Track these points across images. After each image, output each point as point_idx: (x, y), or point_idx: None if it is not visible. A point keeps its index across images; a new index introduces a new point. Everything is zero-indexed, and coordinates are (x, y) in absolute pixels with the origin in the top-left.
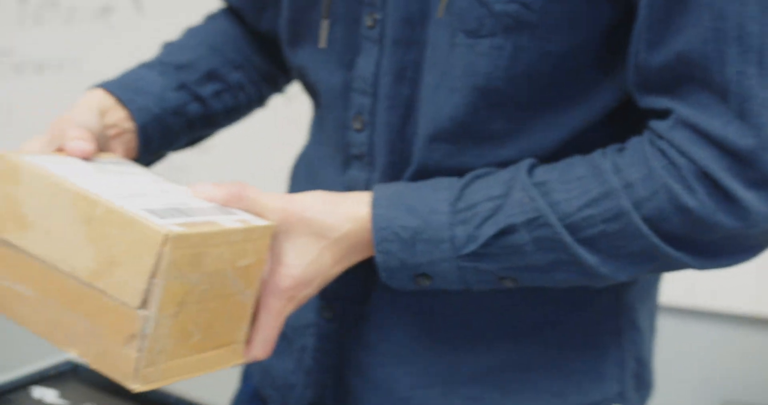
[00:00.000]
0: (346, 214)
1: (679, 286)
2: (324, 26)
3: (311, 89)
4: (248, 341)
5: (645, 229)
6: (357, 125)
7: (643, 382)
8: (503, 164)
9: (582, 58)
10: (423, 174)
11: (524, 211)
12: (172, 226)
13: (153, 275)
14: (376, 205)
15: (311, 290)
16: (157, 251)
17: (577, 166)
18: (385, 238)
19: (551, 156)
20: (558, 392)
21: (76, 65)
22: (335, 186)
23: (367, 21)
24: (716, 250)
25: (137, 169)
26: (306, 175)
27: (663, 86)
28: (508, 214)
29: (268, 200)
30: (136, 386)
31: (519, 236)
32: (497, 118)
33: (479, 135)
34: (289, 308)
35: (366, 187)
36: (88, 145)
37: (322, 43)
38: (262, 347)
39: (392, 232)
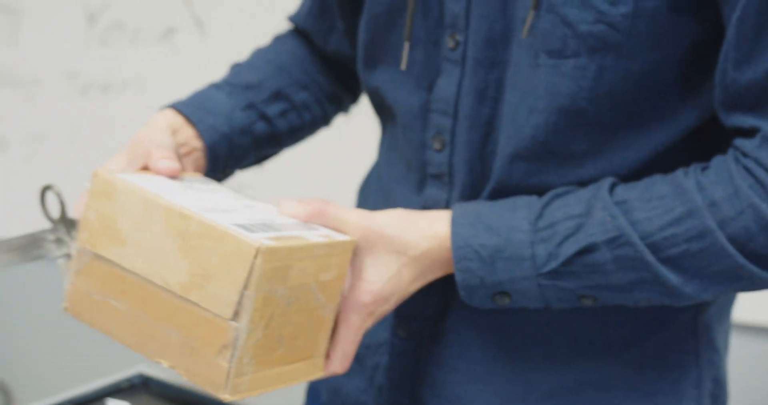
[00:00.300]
0: (425, 232)
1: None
2: (405, 49)
3: (386, 110)
4: (328, 356)
5: (730, 248)
6: (436, 145)
7: (719, 402)
8: (583, 183)
9: (666, 77)
10: (502, 192)
11: (606, 229)
12: (263, 239)
13: (245, 287)
14: (455, 223)
15: (389, 306)
16: (249, 264)
17: (658, 184)
18: (465, 257)
19: (633, 175)
20: None
21: (140, 86)
22: (411, 204)
23: (449, 42)
24: None
25: (218, 187)
26: (378, 193)
27: (750, 104)
28: (589, 233)
29: (350, 217)
30: (227, 396)
31: (600, 255)
32: (579, 138)
33: (560, 154)
34: (368, 323)
35: (445, 206)
36: (175, 164)
37: (404, 65)
38: (341, 362)
39: (472, 250)
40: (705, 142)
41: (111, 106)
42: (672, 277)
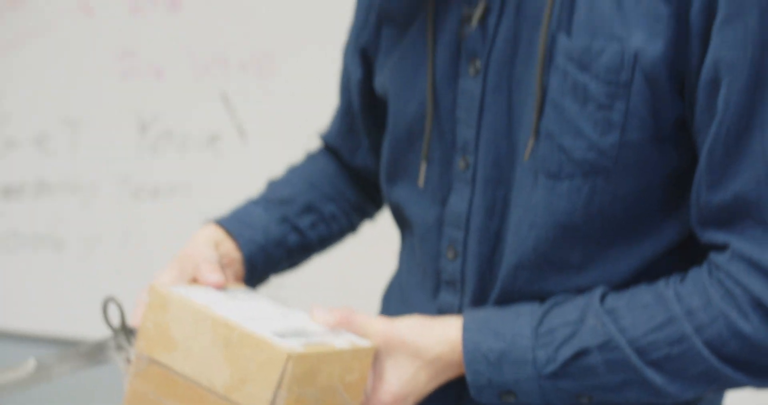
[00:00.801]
0: (439, 337)
1: None
2: (422, 168)
3: (405, 222)
4: None
5: (706, 352)
6: (450, 255)
7: None
8: (580, 290)
9: (650, 199)
10: (507, 297)
11: (597, 335)
12: (294, 346)
13: (278, 388)
14: (466, 329)
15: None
16: (282, 368)
17: (643, 294)
18: (474, 360)
19: (623, 283)
20: None
21: (187, 189)
22: (427, 309)
23: (461, 164)
24: None
25: (257, 296)
26: (399, 299)
27: (721, 223)
28: (582, 339)
29: (372, 324)
30: None
31: (593, 358)
32: (575, 251)
33: (558, 265)
34: None
35: (457, 309)
36: (220, 277)
37: (421, 182)
38: None
39: (481, 354)
40: (685, 254)
41: (160, 209)
42: (657, 378)
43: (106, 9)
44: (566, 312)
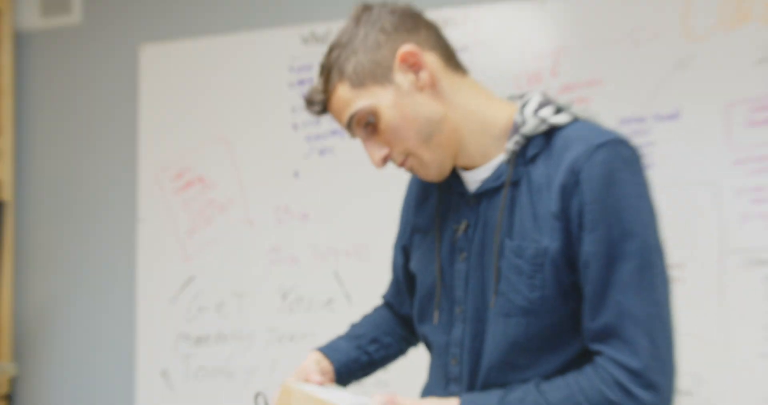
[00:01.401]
0: (447, 403)
1: None
2: (436, 314)
3: (429, 345)
4: None
5: None
6: (453, 363)
7: None
8: (527, 380)
9: (563, 326)
10: (486, 386)
11: (534, 402)
12: None
13: None
14: (462, 400)
15: None
16: None
17: (560, 381)
18: None
19: (554, 373)
20: None
21: (313, 336)
22: (442, 395)
23: (457, 310)
24: None
25: (343, 390)
26: (427, 392)
27: (597, 339)
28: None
29: (407, 400)
30: None
31: None
32: (522, 358)
33: (513, 366)
34: None
35: (459, 394)
36: (320, 379)
37: (435, 322)
38: None
39: None
40: (587, 357)
41: (295, 349)
42: None
43: (262, 220)
44: (517, 392)
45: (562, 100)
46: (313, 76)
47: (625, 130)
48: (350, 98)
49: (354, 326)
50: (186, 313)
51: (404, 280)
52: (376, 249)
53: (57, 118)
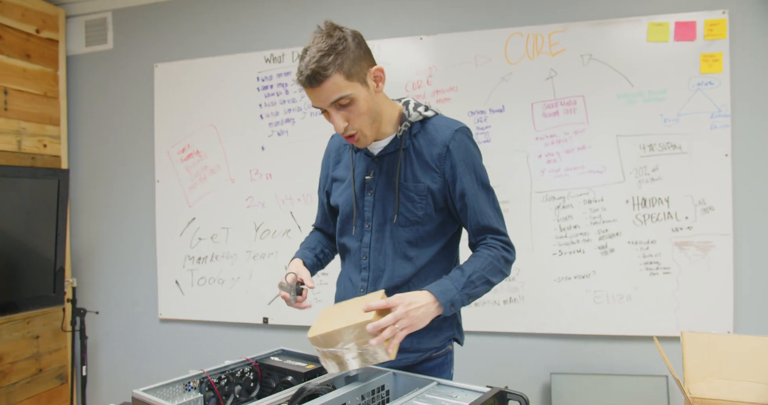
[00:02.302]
0: (423, 292)
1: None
2: (353, 228)
3: (346, 250)
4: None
5: (502, 266)
6: (364, 258)
7: (460, 330)
8: (415, 267)
9: (435, 230)
10: (388, 273)
11: (471, 275)
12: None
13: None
14: (433, 292)
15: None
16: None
17: (475, 258)
18: (441, 297)
19: (428, 261)
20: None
21: (275, 256)
22: (356, 280)
23: (366, 225)
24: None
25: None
26: (345, 277)
27: (481, 232)
28: (467, 275)
29: (407, 298)
30: None
31: (474, 281)
32: (411, 251)
33: (405, 257)
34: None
35: (368, 279)
36: (312, 283)
37: (353, 233)
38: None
39: (441, 295)
40: (451, 249)
41: (264, 265)
42: (495, 281)
43: (240, 179)
44: (458, 272)
45: (434, 100)
46: (273, 84)
47: (472, 119)
48: (342, 85)
49: (307, 243)
50: (190, 241)
51: (328, 211)
52: (314, 196)
53: (96, 114)
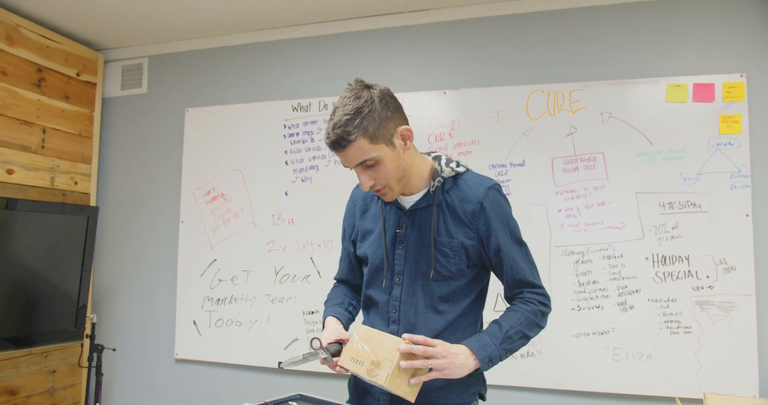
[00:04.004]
0: (461, 346)
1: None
2: (383, 281)
3: (372, 303)
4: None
5: (538, 320)
6: (393, 311)
7: (485, 386)
8: (446, 321)
9: (466, 286)
10: (418, 324)
11: (510, 330)
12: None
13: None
14: (472, 348)
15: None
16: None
17: (512, 312)
18: (479, 352)
19: (457, 316)
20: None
21: (294, 300)
22: (385, 330)
23: (396, 279)
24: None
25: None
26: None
27: (518, 286)
28: (504, 331)
29: (435, 342)
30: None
31: (512, 336)
32: (442, 305)
33: (436, 311)
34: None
35: (396, 330)
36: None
37: (383, 286)
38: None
39: (480, 350)
40: (472, 305)
41: (282, 309)
42: (532, 336)
43: (263, 223)
44: (495, 326)
45: (456, 153)
46: (299, 132)
47: (493, 172)
48: (367, 149)
49: (335, 298)
50: (210, 283)
51: (355, 262)
52: (336, 242)
53: (127, 155)
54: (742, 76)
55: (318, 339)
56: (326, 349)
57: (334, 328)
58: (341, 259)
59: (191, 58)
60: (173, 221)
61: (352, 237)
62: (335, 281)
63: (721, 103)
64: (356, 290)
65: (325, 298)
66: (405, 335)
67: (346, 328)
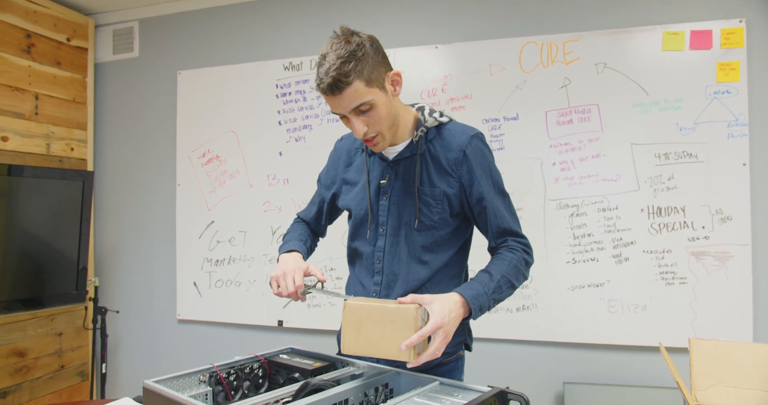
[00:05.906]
0: (453, 295)
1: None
2: (368, 232)
3: (357, 254)
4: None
5: (522, 268)
6: (377, 262)
7: (470, 336)
8: (430, 270)
9: (449, 235)
10: (402, 277)
11: (500, 279)
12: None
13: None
14: (466, 296)
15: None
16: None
17: (498, 260)
18: (472, 301)
19: (442, 265)
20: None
21: None
22: (369, 285)
23: (380, 229)
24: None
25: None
26: (355, 282)
27: (501, 235)
28: (495, 280)
29: (426, 297)
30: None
31: (501, 286)
32: (426, 255)
33: (420, 261)
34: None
35: (381, 284)
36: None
37: (368, 237)
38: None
39: (472, 299)
40: (464, 252)
41: None
42: (516, 283)
43: (258, 184)
44: (485, 274)
45: (448, 108)
46: (291, 91)
47: (486, 126)
48: (363, 92)
49: (296, 234)
50: (208, 244)
51: (326, 211)
52: None
53: (122, 120)
54: (741, 21)
55: (320, 283)
56: (315, 287)
57: (304, 265)
58: (312, 203)
59: (182, 20)
60: (170, 184)
61: (334, 189)
62: (297, 218)
63: (719, 50)
64: (315, 235)
65: (287, 229)
66: (399, 299)
67: (306, 257)
